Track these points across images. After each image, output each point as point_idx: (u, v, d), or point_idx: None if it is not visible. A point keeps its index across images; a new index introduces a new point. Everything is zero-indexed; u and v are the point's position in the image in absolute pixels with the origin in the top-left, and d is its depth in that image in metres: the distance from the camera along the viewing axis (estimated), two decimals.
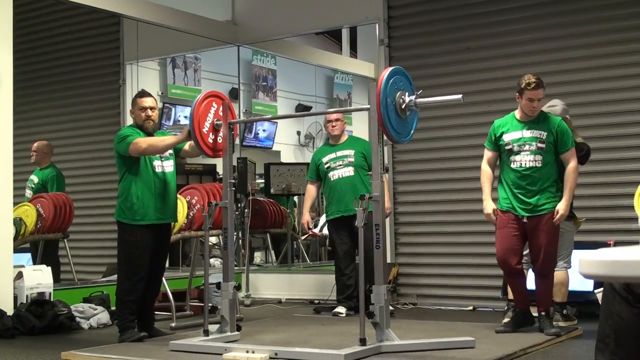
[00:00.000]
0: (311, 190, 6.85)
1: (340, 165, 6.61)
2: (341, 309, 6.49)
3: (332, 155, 6.67)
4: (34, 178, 7.86)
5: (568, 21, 6.65)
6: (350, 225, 6.34)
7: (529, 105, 5.18)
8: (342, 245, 6.58)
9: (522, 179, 5.21)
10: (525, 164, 5.19)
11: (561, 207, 5.14)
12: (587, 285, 5.87)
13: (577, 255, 5.66)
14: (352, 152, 6.62)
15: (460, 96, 4.70)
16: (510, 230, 5.25)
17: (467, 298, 6.87)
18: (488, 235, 6.83)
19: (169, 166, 5.45)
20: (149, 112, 5.39)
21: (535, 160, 5.18)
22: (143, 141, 5.21)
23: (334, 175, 6.63)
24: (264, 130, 13.45)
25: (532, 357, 4.52)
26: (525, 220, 5.21)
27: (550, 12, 6.73)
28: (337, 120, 6.72)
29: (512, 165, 5.24)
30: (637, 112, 6.30)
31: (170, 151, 5.45)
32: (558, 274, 5.61)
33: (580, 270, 1.73)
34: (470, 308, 6.76)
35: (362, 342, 4.38)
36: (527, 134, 5.21)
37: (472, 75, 7.02)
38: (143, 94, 5.54)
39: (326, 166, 6.66)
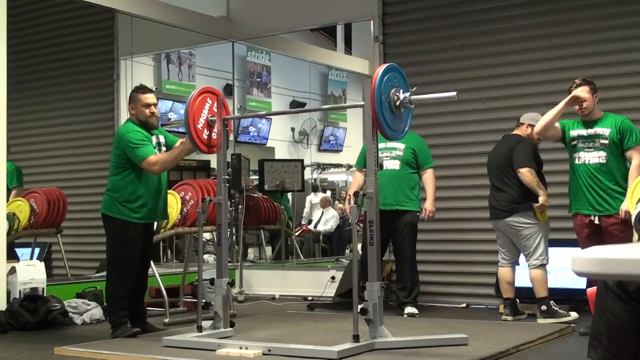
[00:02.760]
0: (359, 177, 6.54)
1: (387, 156, 6.34)
2: None
3: (382, 145, 6.20)
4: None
5: (563, 19, 6.65)
6: (386, 219, 6.04)
7: (578, 107, 5.25)
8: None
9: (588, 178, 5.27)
10: (596, 160, 5.25)
11: (627, 205, 5.05)
12: (580, 283, 5.89)
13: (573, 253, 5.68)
14: (402, 146, 6.33)
15: (454, 93, 4.69)
16: (584, 232, 5.29)
17: (460, 295, 6.88)
18: (481, 232, 6.86)
19: None
20: (153, 108, 5.35)
21: (597, 157, 5.23)
22: (155, 161, 5.16)
23: None
24: (258, 127, 13.45)
25: (525, 354, 4.53)
26: (596, 221, 5.22)
27: (545, 10, 6.73)
28: None
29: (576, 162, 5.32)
30: (635, 110, 6.29)
31: (164, 149, 5.42)
32: (535, 272, 5.68)
33: (573, 268, 1.73)
34: (464, 305, 6.77)
35: (356, 338, 4.38)
36: (591, 131, 5.27)
37: (466, 72, 7.02)
38: (145, 89, 5.45)
39: None
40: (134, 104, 5.37)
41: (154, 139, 5.37)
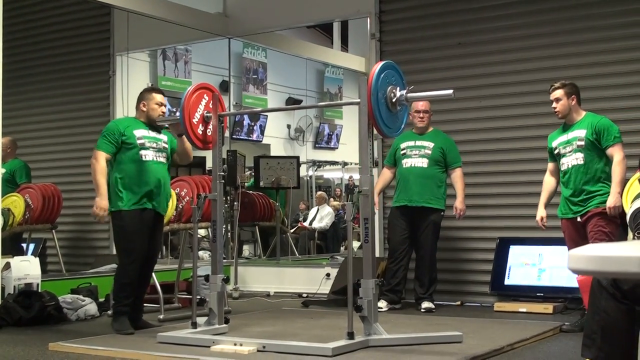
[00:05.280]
0: (385, 174, 6.65)
1: (415, 154, 6.40)
2: (381, 303, 6.18)
3: (411, 143, 6.44)
4: (1, 170, 7.81)
5: (559, 17, 6.65)
6: (412, 216, 6.38)
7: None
8: (397, 233, 6.45)
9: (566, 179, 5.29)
10: (575, 162, 5.25)
11: (610, 201, 5.05)
12: (575, 282, 5.90)
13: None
14: (431, 144, 6.41)
15: (451, 91, 4.70)
16: (570, 235, 5.29)
17: (454, 293, 6.88)
18: (476, 230, 6.87)
19: (159, 157, 5.48)
20: (163, 108, 5.56)
21: (575, 159, 5.23)
22: (97, 158, 5.28)
23: (407, 163, 6.44)
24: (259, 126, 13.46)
25: (520, 352, 4.53)
26: (578, 219, 5.22)
27: (541, 9, 6.72)
28: (425, 112, 6.45)
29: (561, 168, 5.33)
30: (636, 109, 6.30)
31: (165, 145, 5.54)
32: None
33: (569, 266, 1.73)
34: (458, 303, 6.78)
35: (350, 335, 4.38)
36: (570, 135, 5.28)
37: (463, 70, 7.02)
38: (159, 90, 5.71)
39: (402, 152, 6.47)
40: (147, 101, 5.51)
41: (146, 132, 5.43)
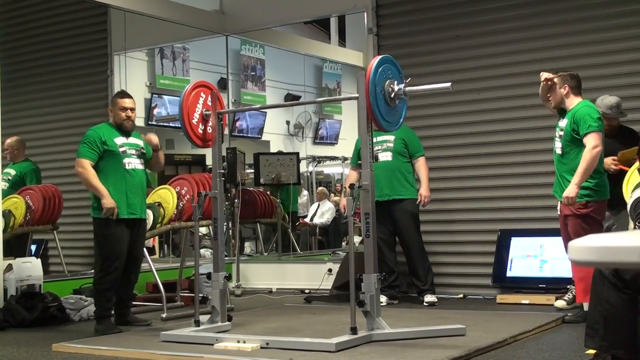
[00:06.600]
0: (352, 175, 6.65)
1: (379, 149, 6.43)
2: (381, 298, 6.01)
3: (373, 140, 6.53)
4: (11, 171, 7.78)
5: (557, 8, 6.64)
6: (387, 211, 6.41)
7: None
8: (381, 230, 6.34)
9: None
10: (557, 151, 5.28)
11: (566, 190, 5.06)
12: None
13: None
14: (392, 137, 6.45)
15: (449, 84, 4.70)
16: (561, 220, 5.33)
17: (457, 286, 6.88)
18: (477, 223, 6.87)
19: (138, 164, 5.62)
20: (129, 112, 5.60)
21: (557, 148, 5.26)
22: (83, 166, 5.43)
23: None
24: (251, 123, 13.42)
25: (523, 343, 4.54)
26: (558, 209, 5.27)
27: (539, 0, 6.72)
28: None
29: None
30: (634, 98, 6.29)
31: (143, 150, 5.67)
32: None
33: (570, 257, 1.73)
34: (461, 296, 6.78)
35: (353, 330, 4.39)
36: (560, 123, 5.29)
37: (461, 63, 7.01)
38: (124, 94, 5.75)
39: None
40: (113, 107, 5.66)
41: (124, 139, 5.55)
